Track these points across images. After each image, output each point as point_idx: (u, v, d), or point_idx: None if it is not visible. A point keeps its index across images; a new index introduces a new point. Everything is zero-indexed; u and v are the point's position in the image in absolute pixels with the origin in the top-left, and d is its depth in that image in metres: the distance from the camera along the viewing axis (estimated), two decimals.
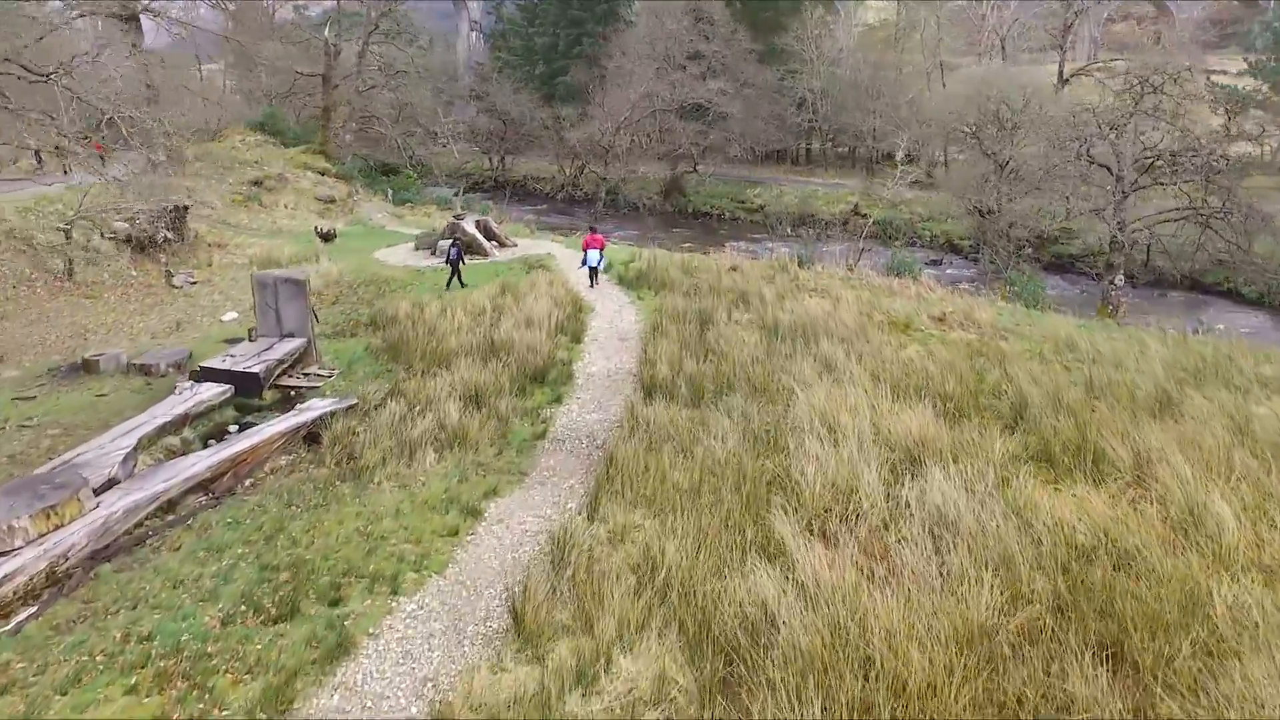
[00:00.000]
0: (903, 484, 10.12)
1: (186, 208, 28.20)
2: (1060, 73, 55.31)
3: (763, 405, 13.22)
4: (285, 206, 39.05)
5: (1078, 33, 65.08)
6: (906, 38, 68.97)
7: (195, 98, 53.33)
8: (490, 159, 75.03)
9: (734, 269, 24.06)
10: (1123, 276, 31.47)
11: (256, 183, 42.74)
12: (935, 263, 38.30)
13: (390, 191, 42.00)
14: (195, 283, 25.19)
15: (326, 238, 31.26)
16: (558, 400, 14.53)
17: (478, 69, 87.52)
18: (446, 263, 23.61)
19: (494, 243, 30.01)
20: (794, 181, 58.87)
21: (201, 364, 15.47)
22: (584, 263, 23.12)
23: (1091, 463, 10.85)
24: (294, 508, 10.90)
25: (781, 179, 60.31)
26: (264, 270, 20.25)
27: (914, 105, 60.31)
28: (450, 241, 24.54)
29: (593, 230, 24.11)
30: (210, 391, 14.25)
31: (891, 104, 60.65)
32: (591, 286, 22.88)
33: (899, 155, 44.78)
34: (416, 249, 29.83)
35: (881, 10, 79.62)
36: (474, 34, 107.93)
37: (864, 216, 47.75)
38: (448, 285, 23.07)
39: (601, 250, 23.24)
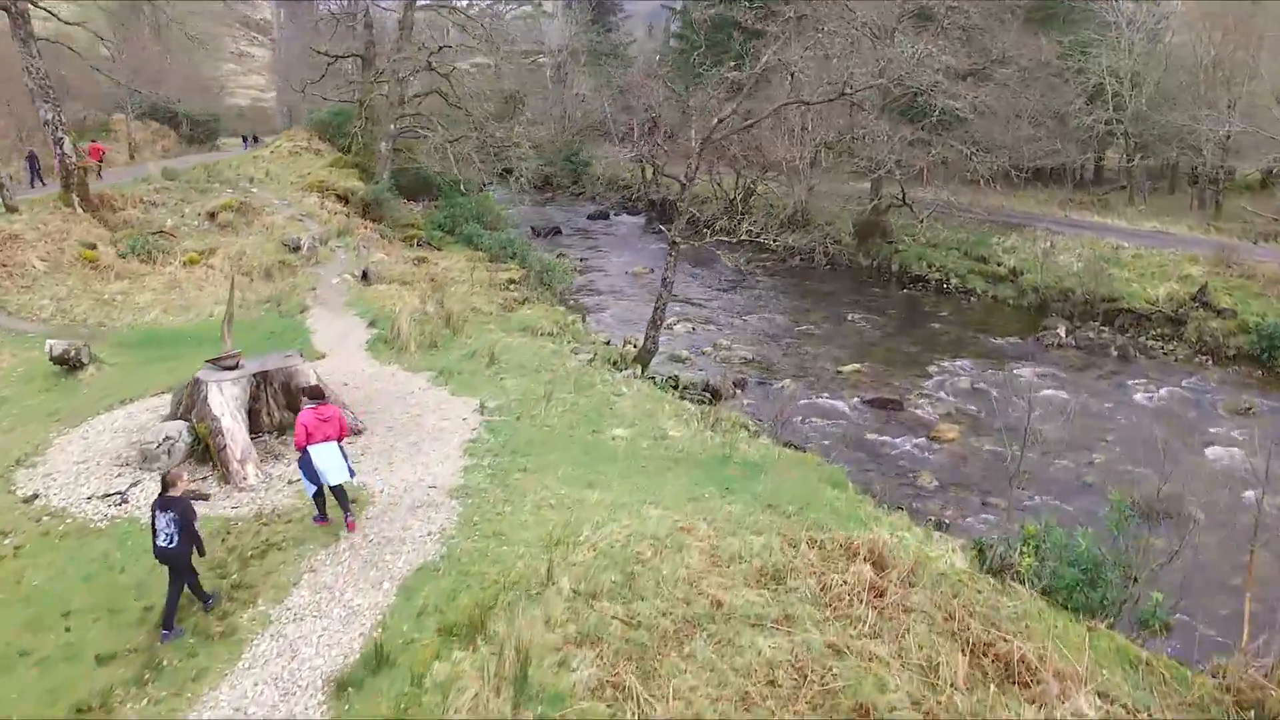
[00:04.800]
0: None
1: None
2: None
3: None
4: (191, 263, 24.50)
5: None
6: None
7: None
8: (643, 171, 58.28)
9: None
10: None
11: (211, 215, 29.14)
12: None
13: (377, 234, 26.21)
14: None
15: (66, 363, 15.77)
16: None
17: (650, 57, 70.96)
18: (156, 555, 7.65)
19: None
20: (1076, 226, 35.78)
21: None
22: (307, 479, 9.07)
23: None
24: None
25: (1054, 220, 37.36)
26: None
27: None
28: (159, 501, 7.66)
29: (314, 399, 9.13)
30: None
31: (1249, 94, 36.81)
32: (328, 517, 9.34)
33: None
34: (165, 419, 13.49)
35: None
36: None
37: (1220, 312, 24.75)
38: (164, 623, 7.55)
39: (340, 440, 9.02)
